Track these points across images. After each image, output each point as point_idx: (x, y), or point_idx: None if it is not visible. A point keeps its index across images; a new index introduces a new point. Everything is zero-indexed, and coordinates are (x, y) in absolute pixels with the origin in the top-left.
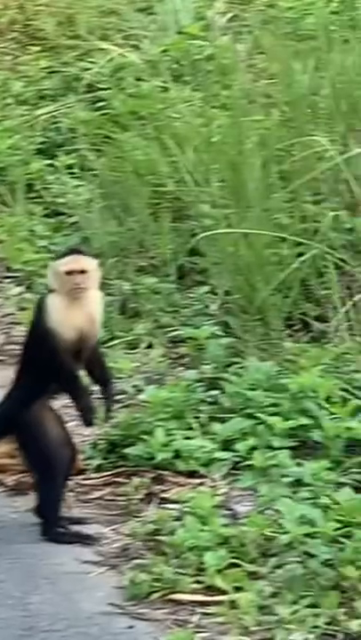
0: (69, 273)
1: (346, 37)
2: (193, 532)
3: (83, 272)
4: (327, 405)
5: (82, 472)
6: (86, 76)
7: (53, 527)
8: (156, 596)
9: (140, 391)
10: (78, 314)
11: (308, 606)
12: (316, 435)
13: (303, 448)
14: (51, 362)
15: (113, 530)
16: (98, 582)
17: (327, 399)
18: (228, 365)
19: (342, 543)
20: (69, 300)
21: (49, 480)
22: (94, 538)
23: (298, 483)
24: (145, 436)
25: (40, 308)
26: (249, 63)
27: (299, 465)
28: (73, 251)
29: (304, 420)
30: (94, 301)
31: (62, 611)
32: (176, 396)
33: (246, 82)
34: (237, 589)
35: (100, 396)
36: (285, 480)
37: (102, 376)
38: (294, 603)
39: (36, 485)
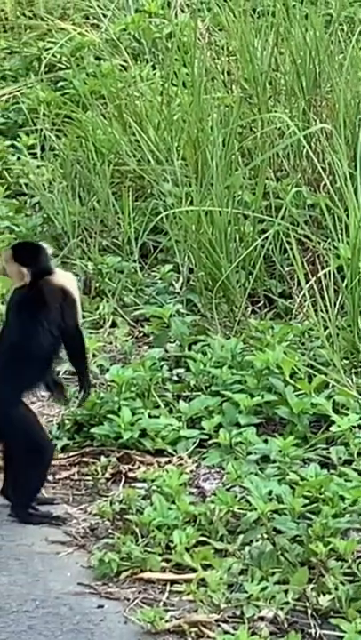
0: None
1: (305, 13)
2: (161, 510)
3: None
4: (292, 382)
5: None
6: (46, 56)
7: (26, 509)
8: (124, 575)
9: (105, 370)
10: None
11: (277, 583)
12: (281, 411)
13: (269, 425)
14: (75, 339)
15: (81, 510)
16: (67, 562)
17: (292, 375)
18: (193, 343)
19: (310, 519)
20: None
21: (40, 467)
22: (62, 518)
23: (265, 459)
24: (111, 416)
25: (54, 291)
26: (209, 40)
27: (265, 442)
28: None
29: (270, 397)
30: None
31: (31, 591)
32: (141, 375)
33: (206, 59)
34: (206, 567)
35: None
36: (252, 457)
37: None
38: (263, 579)
39: (13, 469)
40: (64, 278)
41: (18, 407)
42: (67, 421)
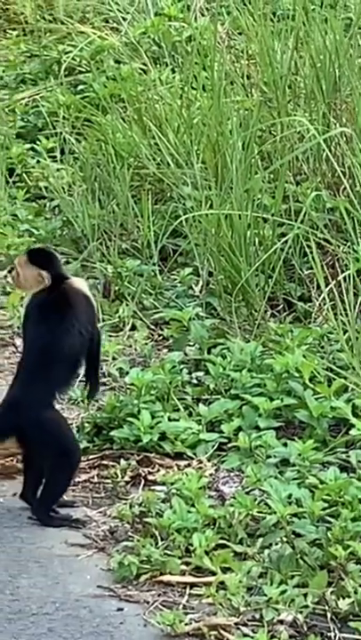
0: None
1: (325, 16)
2: (180, 513)
3: None
4: (312, 385)
5: None
6: (66, 60)
7: (48, 511)
8: (144, 577)
9: (124, 374)
10: None
11: (296, 586)
12: (301, 415)
13: (289, 428)
14: (95, 343)
15: (100, 512)
16: (86, 565)
17: (312, 379)
18: (213, 347)
19: (330, 522)
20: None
21: (67, 470)
22: (82, 521)
23: (284, 463)
24: (130, 419)
25: (78, 297)
26: (228, 44)
27: (285, 445)
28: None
29: (289, 401)
30: None
31: (51, 594)
32: (161, 378)
33: (226, 63)
34: (225, 570)
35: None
36: (271, 460)
37: None
38: (282, 583)
39: (46, 473)
40: (81, 284)
41: (48, 410)
42: (86, 424)
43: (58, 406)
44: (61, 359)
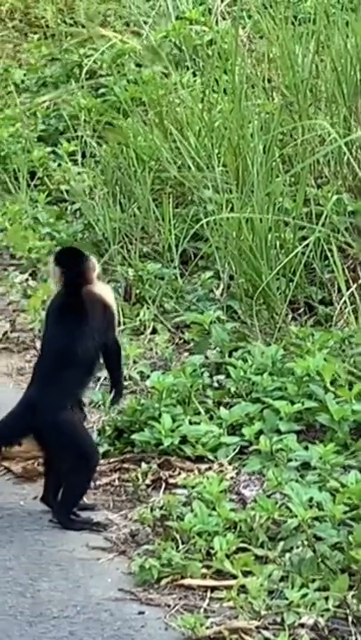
0: None
1: (346, 19)
2: (201, 516)
3: None
4: (333, 389)
5: None
6: (87, 63)
7: (69, 514)
8: (165, 581)
9: (145, 377)
10: None
11: (317, 590)
12: (322, 418)
13: (310, 432)
14: (112, 350)
15: (121, 516)
16: (107, 568)
17: (333, 382)
18: (234, 350)
19: (351, 526)
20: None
21: (86, 472)
22: (103, 524)
23: (305, 466)
24: (151, 422)
25: (95, 299)
26: (249, 48)
27: (306, 449)
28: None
29: (310, 404)
30: None
31: (72, 597)
32: (182, 382)
33: (247, 66)
34: (246, 574)
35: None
36: (293, 464)
37: None
38: (304, 586)
39: (64, 476)
40: (103, 290)
41: (63, 412)
42: (107, 427)
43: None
44: (76, 362)
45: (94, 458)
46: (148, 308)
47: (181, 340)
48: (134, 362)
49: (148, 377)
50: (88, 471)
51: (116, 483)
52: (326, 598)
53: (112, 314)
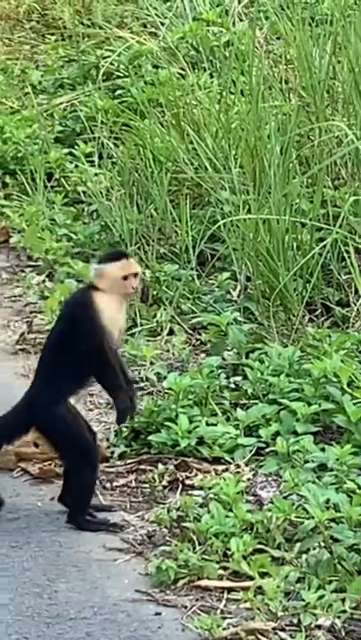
0: (126, 277)
1: None
2: (218, 518)
3: (135, 275)
4: (350, 390)
5: (105, 459)
6: (104, 65)
7: (82, 515)
8: (182, 582)
9: (162, 378)
10: (122, 315)
11: (334, 591)
12: (339, 420)
13: (326, 433)
14: (94, 358)
15: (138, 517)
16: (124, 569)
17: (350, 384)
18: (251, 351)
19: None
20: (120, 301)
21: (87, 469)
22: (120, 525)
23: (322, 468)
24: (168, 423)
25: (85, 305)
26: (266, 49)
27: (322, 450)
28: (122, 254)
29: (327, 405)
30: (125, 304)
31: (89, 598)
32: (199, 383)
33: (264, 68)
34: (263, 575)
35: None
36: (309, 465)
37: (126, 376)
38: (320, 588)
39: (68, 474)
40: (102, 297)
41: (57, 409)
42: (124, 429)
43: (96, 410)
44: (69, 361)
45: (90, 455)
46: (164, 310)
47: (198, 342)
48: (151, 363)
49: (165, 378)
50: (88, 469)
51: (133, 484)
52: (343, 600)
53: (97, 322)
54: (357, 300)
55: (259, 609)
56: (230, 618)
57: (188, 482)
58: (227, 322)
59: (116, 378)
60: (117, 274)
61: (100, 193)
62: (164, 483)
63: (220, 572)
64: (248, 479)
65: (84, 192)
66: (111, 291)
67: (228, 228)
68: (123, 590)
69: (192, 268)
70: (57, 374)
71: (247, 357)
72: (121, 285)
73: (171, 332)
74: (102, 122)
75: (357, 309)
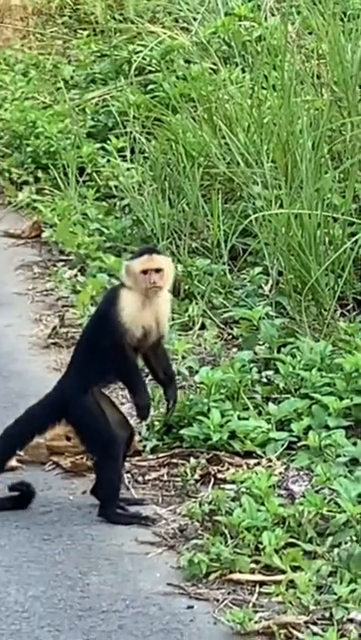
0: (145, 272)
1: None
2: (250, 511)
3: (158, 271)
4: None
5: (137, 453)
6: (136, 59)
7: (112, 508)
8: (214, 575)
9: (194, 372)
10: (148, 313)
11: None
12: None
13: (358, 427)
14: (114, 354)
15: (170, 510)
16: (156, 563)
17: None
18: (282, 346)
19: None
20: (143, 298)
21: (109, 462)
22: (152, 519)
23: (354, 462)
24: (200, 417)
25: (111, 301)
26: (298, 44)
27: (354, 444)
28: (148, 250)
29: (359, 400)
30: (164, 301)
31: (121, 591)
32: (230, 377)
33: (296, 62)
34: (295, 569)
35: (164, 393)
36: (341, 459)
37: (166, 376)
38: (352, 581)
39: (95, 467)
40: (127, 294)
41: (82, 399)
42: (156, 423)
43: (128, 404)
44: (96, 355)
45: (112, 449)
46: (196, 304)
47: (230, 336)
48: (183, 357)
49: (197, 372)
50: (109, 462)
51: (165, 478)
52: None
53: (117, 319)
54: None
55: (291, 602)
56: (262, 611)
57: (219, 476)
58: (258, 316)
59: (135, 374)
60: (138, 269)
61: (132, 187)
62: (196, 476)
63: (252, 565)
64: (280, 473)
65: (115, 187)
66: (135, 287)
67: (260, 222)
68: (155, 583)
69: (224, 263)
70: (86, 368)
71: (279, 352)
72: (141, 280)
73: (203, 327)
74: (134, 117)
75: None
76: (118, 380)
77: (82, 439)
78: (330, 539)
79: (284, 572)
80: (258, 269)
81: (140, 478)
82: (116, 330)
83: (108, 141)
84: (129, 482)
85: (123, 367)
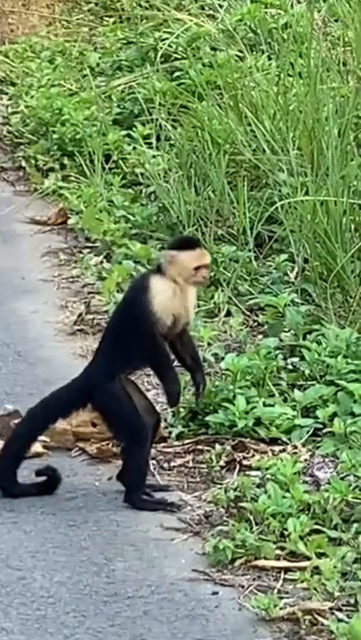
0: (198, 268)
1: None
2: (275, 498)
3: (207, 267)
4: None
5: (163, 440)
6: (162, 47)
7: (138, 495)
8: (239, 562)
9: (220, 359)
10: (179, 302)
11: None
12: None
13: None
14: (144, 342)
15: (195, 497)
16: (181, 549)
17: None
18: (308, 333)
19: None
20: (175, 286)
21: (136, 448)
22: (177, 505)
23: None
24: (226, 404)
25: (140, 289)
26: (324, 31)
27: None
28: (196, 242)
29: None
30: (192, 289)
31: (147, 577)
32: (256, 364)
33: (322, 50)
34: (320, 555)
35: (192, 378)
36: None
37: (193, 362)
38: None
39: (122, 454)
40: (160, 282)
41: (109, 385)
42: (182, 409)
43: (153, 391)
44: (124, 341)
45: (139, 435)
46: (222, 291)
47: (255, 323)
48: (208, 344)
49: (223, 359)
50: (137, 449)
51: (190, 464)
52: None
53: (150, 309)
54: None
55: (316, 589)
56: (287, 598)
57: (245, 462)
58: (284, 303)
59: (166, 362)
60: (191, 264)
61: (158, 175)
62: (222, 463)
63: (277, 552)
64: (305, 460)
65: (141, 174)
66: (179, 278)
67: (286, 209)
68: (180, 570)
69: (249, 250)
70: (114, 354)
71: (304, 339)
72: (191, 274)
73: (228, 314)
74: (160, 104)
75: None
76: (149, 368)
77: (109, 425)
78: (355, 525)
79: (309, 559)
80: (283, 256)
81: (165, 465)
82: (148, 318)
83: (134, 128)
84: (154, 468)
85: (154, 355)
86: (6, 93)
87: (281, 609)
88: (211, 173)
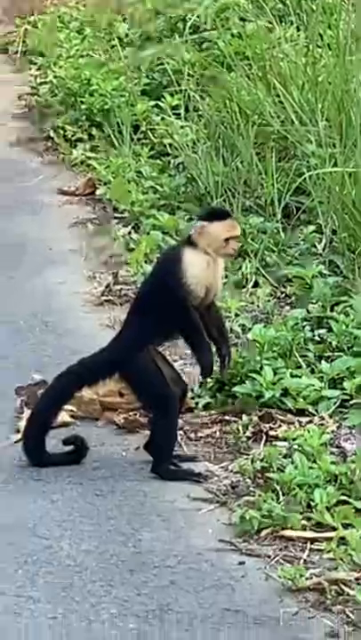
0: (228, 239)
1: None
2: (302, 469)
3: (237, 238)
4: None
5: (190, 410)
6: (191, 18)
7: (165, 465)
8: (265, 532)
9: (247, 330)
10: (211, 273)
11: None
12: None
13: None
14: (177, 313)
15: (222, 467)
16: (208, 519)
17: None
18: (335, 304)
19: None
20: (208, 257)
21: (165, 419)
22: (204, 475)
23: None
24: (253, 375)
25: (173, 261)
26: (353, 2)
27: None
28: (226, 213)
29: None
30: (221, 261)
31: (173, 547)
32: (283, 335)
33: (351, 21)
34: (346, 526)
35: (217, 350)
36: None
37: (220, 334)
38: None
39: (150, 424)
40: (192, 254)
41: (137, 355)
42: (209, 380)
43: (180, 361)
44: (154, 313)
45: (168, 406)
46: (250, 262)
47: (283, 294)
48: (236, 315)
49: (250, 330)
50: (166, 420)
51: (217, 435)
52: None
53: (183, 281)
54: None
55: (342, 559)
56: (313, 568)
57: (271, 433)
58: (312, 275)
59: (199, 333)
60: (221, 235)
61: (186, 145)
62: (248, 434)
63: (304, 522)
64: (332, 431)
65: (170, 144)
66: (209, 249)
67: (314, 180)
68: (207, 540)
69: (277, 221)
70: (144, 325)
71: (332, 310)
72: (221, 246)
73: (256, 285)
74: (189, 74)
75: None
76: (179, 339)
77: (138, 396)
78: None
79: (335, 529)
80: (311, 228)
81: (192, 435)
82: (180, 290)
83: (163, 99)
84: (181, 439)
85: (188, 326)
86: (35, 64)
87: (307, 579)
88: (239, 144)
